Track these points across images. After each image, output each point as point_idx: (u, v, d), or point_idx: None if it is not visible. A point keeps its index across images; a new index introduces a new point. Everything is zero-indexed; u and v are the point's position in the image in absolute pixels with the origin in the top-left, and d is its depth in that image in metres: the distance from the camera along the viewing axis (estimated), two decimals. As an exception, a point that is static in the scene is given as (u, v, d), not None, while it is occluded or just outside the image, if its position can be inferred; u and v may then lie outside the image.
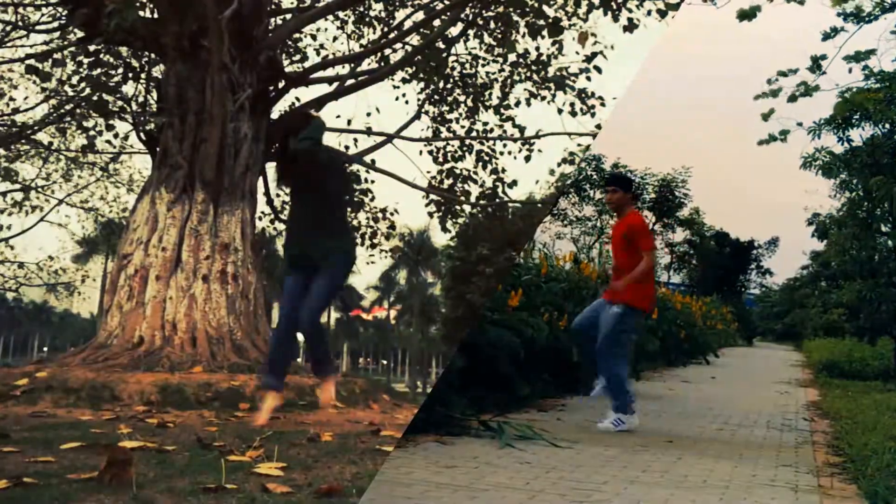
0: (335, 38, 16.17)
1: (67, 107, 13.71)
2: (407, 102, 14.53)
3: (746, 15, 11.87)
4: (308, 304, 5.81)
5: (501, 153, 13.87)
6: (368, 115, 14.29)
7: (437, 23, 12.42)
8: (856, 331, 27.71)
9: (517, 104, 13.82)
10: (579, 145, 13.73)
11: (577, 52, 17.14)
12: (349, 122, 14.02)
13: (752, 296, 43.38)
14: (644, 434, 6.66)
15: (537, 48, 13.29)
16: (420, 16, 13.14)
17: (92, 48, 10.61)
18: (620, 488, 4.35)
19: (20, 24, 12.68)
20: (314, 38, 14.86)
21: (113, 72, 12.42)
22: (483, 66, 13.94)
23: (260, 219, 14.08)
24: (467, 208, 14.32)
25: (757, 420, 8.21)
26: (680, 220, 34.46)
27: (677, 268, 38.33)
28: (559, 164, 13.96)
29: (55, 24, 12.37)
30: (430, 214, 14.07)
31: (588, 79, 12.64)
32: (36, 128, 15.09)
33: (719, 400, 10.20)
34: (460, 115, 14.20)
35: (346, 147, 13.48)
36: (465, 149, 13.99)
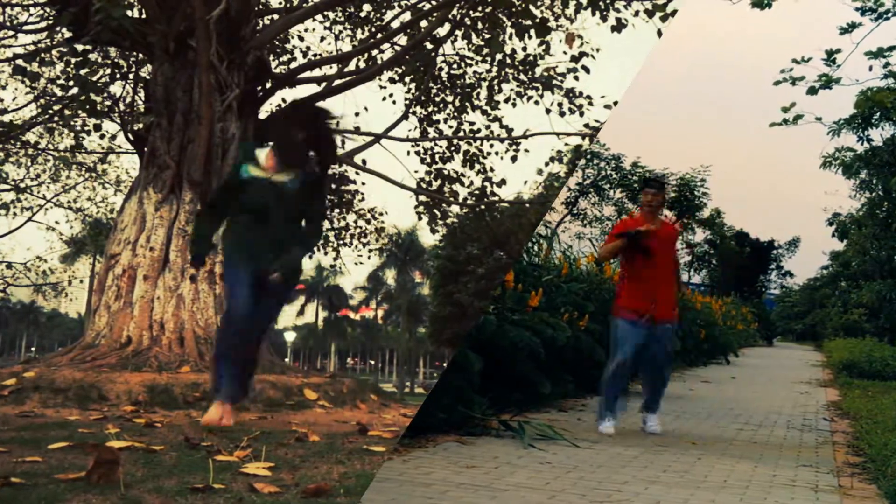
0: (322, 39, 16.17)
1: (55, 107, 13.67)
2: (394, 103, 14.54)
3: (759, 3, 11.87)
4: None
5: (489, 154, 13.90)
6: (357, 114, 14.30)
7: (424, 23, 12.43)
8: (876, 331, 27.84)
9: (507, 101, 13.83)
10: (567, 145, 13.78)
11: (565, 53, 17.19)
12: (338, 122, 14.01)
13: (772, 296, 43.53)
14: (664, 434, 6.71)
15: (524, 48, 13.31)
16: (407, 16, 13.15)
17: (80, 48, 10.59)
18: (641, 488, 4.39)
19: (8, 24, 12.63)
20: (301, 38, 14.87)
21: (101, 71, 12.39)
22: (470, 66, 13.96)
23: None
24: (455, 209, 14.34)
25: (777, 420, 8.26)
26: (699, 221, 34.38)
27: (697, 268, 38.36)
28: (547, 164, 14.01)
29: (43, 24, 12.34)
30: (419, 215, 14.09)
31: (576, 79, 12.67)
32: (25, 128, 15.03)
33: (739, 400, 10.25)
34: (448, 115, 14.22)
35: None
36: (452, 149, 14.00)
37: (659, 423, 6.89)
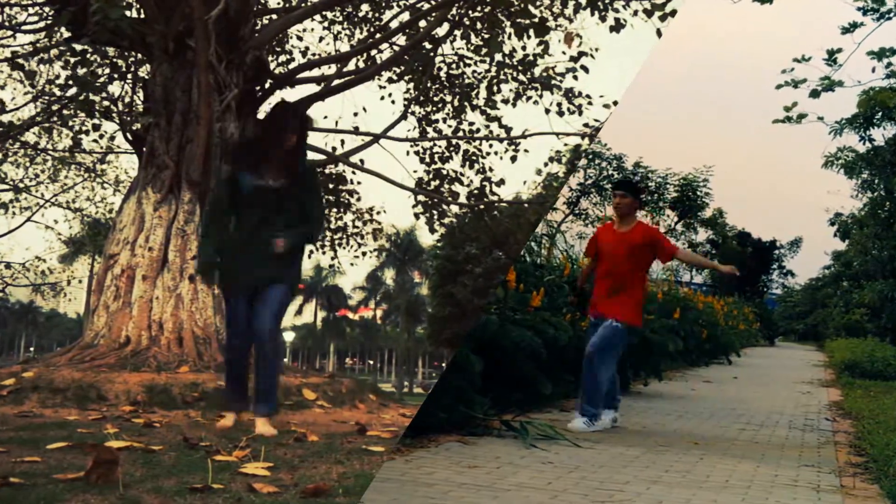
0: (321, 39, 16.17)
1: (54, 107, 13.67)
2: (393, 102, 14.53)
3: None
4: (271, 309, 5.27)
5: (488, 154, 13.91)
6: (356, 114, 14.31)
7: (423, 23, 12.42)
8: (878, 331, 27.87)
9: (506, 101, 13.83)
10: (566, 145, 13.79)
11: (564, 52, 17.15)
12: (337, 122, 14.03)
13: (774, 296, 43.57)
14: (666, 434, 6.71)
15: (523, 48, 13.30)
16: (406, 16, 13.15)
17: (78, 48, 10.59)
18: (643, 488, 4.39)
19: (6, 24, 12.63)
20: (300, 38, 14.88)
21: (99, 71, 12.39)
22: (469, 66, 13.96)
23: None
24: (454, 209, 14.33)
25: (779, 420, 8.26)
26: (702, 221, 34.34)
27: (699, 268, 38.37)
28: (546, 164, 14.02)
29: (41, 24, 12.34)
30: (417, 216, 14.09)
31: (575, 78, 12.65)
32: (24, 128, 15.03)
33: (741, 400, 10.25)
34: (447, 115, 14.22)
35: (334, 148, 13.47)
36: (451, 149, 14.01)
37: (579, 424, 6.57)
